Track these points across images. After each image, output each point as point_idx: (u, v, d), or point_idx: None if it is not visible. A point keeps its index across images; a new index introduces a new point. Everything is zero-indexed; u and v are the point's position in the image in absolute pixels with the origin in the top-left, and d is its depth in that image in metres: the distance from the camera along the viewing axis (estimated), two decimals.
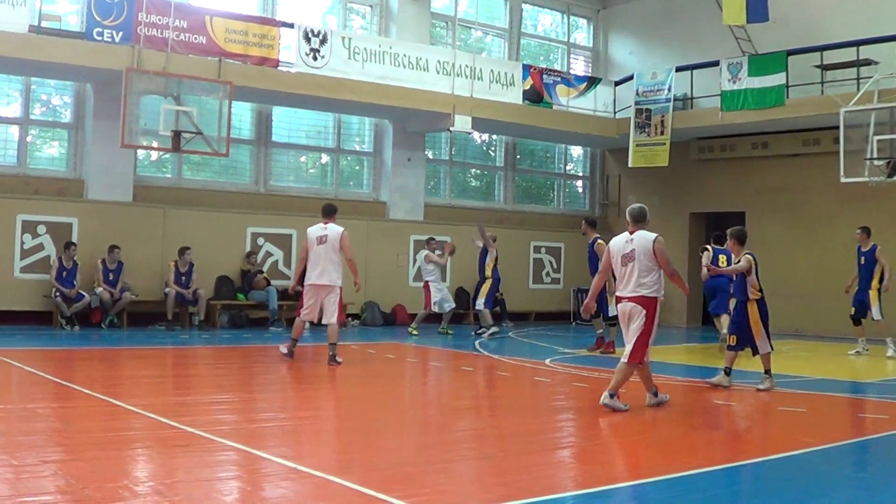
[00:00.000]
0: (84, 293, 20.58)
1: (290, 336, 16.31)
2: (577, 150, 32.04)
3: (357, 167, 27.15)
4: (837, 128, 22.03)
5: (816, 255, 25.37)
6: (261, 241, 23.48)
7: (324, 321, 15.71)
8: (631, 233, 11.79)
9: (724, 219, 28.30)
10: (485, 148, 30.17)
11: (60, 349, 17.43)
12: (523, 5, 30.00)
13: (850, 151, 21.73)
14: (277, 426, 10.46)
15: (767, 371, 13.95)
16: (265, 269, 23.30)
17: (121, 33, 20.06)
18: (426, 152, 27.35)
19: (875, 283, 19.50)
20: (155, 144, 21.30)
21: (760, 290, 14.03)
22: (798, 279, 25.68)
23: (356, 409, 11.82)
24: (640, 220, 11.88)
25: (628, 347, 11.65)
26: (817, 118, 23.79)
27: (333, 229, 15.79)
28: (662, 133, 26.18)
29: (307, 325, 16.38)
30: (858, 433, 10.34)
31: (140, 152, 22.49)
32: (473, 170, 30.14)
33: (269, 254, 23.64)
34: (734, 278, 14.28)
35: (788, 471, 8.70)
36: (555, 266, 28.80)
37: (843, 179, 21.87)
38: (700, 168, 28.33)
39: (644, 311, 11.58)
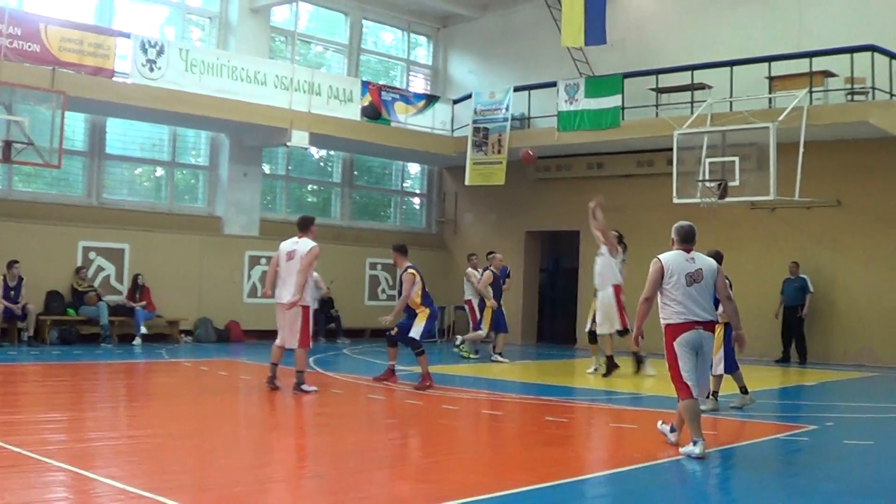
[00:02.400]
0: None
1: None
2: (414, 168, 32.23)
3: (192, 181, 26.87)
4: (671, 150, 22.51)
5: (647, 274, 25.80)
6: (92, 255, 23.04)
7: (287, 345, 14.94)
8: (687, 251, 10.62)
9: (559, 237, 28.81)
10: (322, 163, 30.13)
11: None
12: (364, 22, 30.08)
13: (682, 173, 22.20)
14: (107, 446, 10.28)
15: (715, 393, 13.93)
16: (97, 283, 22.88)
17: None
18: (263, 167, 27.22)
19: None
20: None
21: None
22: (630, 297, 25.95)
23: (187, 427, 11.70)
24: (689, 241, 10.68)
25: (703, 381, 10.57)
26: (652, 140, 24.31)
27: (305, 244, 14.98)
28: (499, 152, 26.49)
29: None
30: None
31: None
32: (310, 185, 30.11)
33: (100, 268, 23.19)
34: None
35: (618, 487, 8.88)
36: (390, 283, 28.84)
37: (675, 200, 22.31)
38: (536, 187, 28.69)
39: (714, 340, 10.75)
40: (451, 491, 8.35)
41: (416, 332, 16.39)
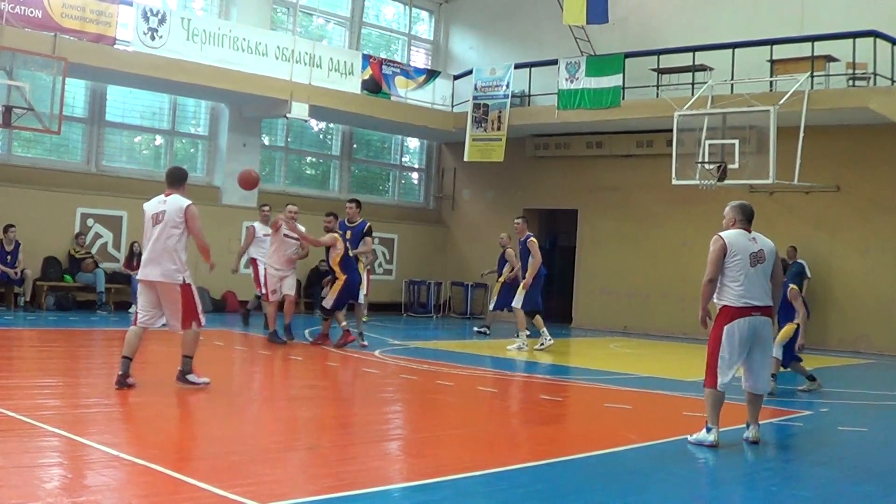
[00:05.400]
0: None
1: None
2: (413, 142, 32.21)
3: (192, 150, 26.86)
4: (671, 131, 22.55)
5: (645, 254, 25.94)
6: (90, 222, 23.04)
7: (168, 328, 12.03)
8: (748, 231, 9.95)
9: (557, 215, 28.83)
10: (321, 136, 30.11)
11: None
12: None
13: (682, 154, 22.21)
14: (101, 412, 10.28)
15: (774, 376, 13.65)
16: (94, 250, 22.89)
17: None
18: (262, 138, 27.20)
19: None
20: None
21: None
22: (627, 278, 26.27)
23: (182, 396, 11.69)
24: (751, 220, 10.06)
25: (764, 374, 10.08)
26: (652, 120, 24.33)
27: (174, 203, 11.72)
28: (499, 129, 26.46)
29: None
30: (681, 430, 10.59)
31: None
32: (309, 158, 30.10)
33: (98, 235, 23.21)
34: None
35: (611, 466, 8.86)
36: (388, 257, 28.88)
37: (674, 181, 22.36)
38: (535, 165, 28.69)
39: (770, 325, 10.03)
40: (443, 467, 8.36)
41: (327, 302, 17.29)
